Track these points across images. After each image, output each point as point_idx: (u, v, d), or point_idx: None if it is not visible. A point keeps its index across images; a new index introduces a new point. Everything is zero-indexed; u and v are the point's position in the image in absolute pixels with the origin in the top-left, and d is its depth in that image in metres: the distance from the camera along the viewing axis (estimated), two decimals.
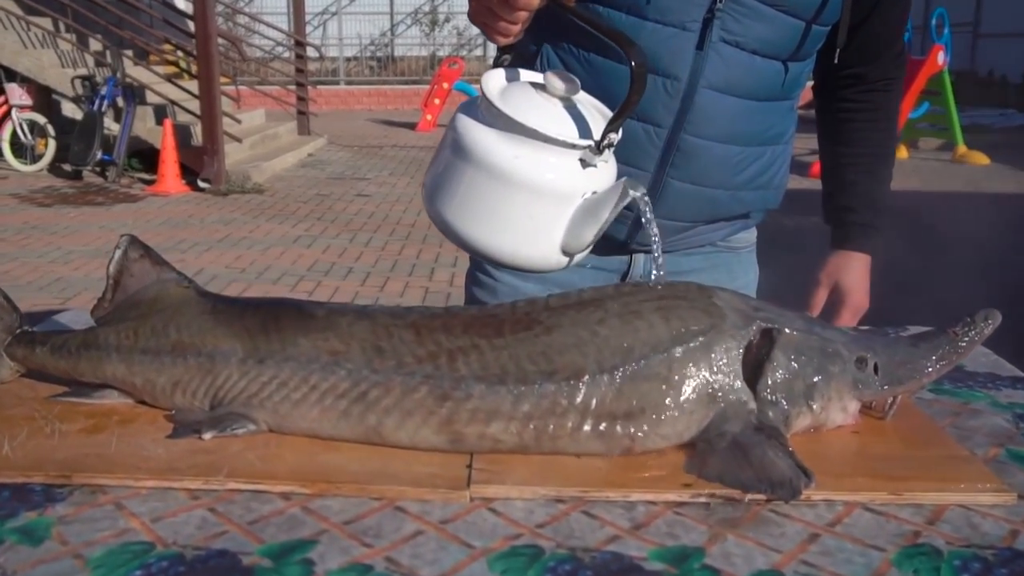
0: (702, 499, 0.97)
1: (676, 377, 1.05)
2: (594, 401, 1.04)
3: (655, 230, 1.11)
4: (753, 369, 1.08)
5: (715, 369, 1.06)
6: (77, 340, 1.19)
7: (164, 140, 8.67)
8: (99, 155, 8.96)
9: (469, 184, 1.05)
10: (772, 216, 1.56)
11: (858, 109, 1.52)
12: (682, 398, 1.05)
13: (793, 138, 1.48)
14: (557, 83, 1.08)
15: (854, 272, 1.54)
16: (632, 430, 1.04)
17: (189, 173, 8.81)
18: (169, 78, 9.99)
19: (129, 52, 9.93)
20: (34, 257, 6.21)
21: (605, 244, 1.44)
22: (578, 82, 1.09)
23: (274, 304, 1.15)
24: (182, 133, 9.06)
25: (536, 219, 1.06)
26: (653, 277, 1.13)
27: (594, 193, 1.06)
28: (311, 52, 13.75)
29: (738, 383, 1.07)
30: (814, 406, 1.09)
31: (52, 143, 9.45)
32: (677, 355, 1.06)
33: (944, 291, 5.20)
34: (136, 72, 9.78)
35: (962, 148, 10.44)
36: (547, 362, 1.06)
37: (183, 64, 10.57)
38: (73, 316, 1.48)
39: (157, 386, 1.14)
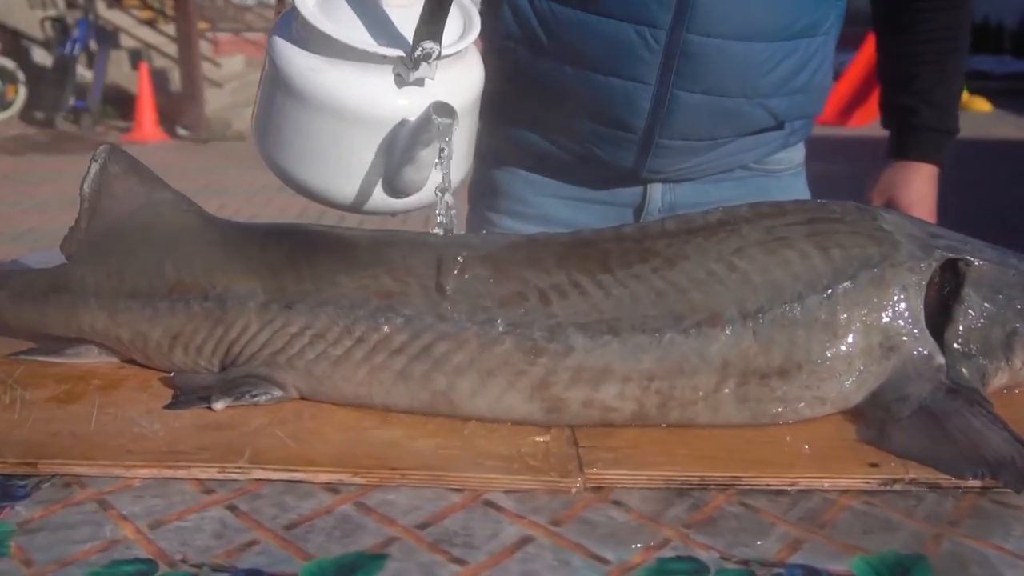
0: (897, 487, 0.72)
1: (840, 323, 0.80)
2: (735, 355, 0.79)
3: (451, 179, 0.87)
4: (938, 312, 0.82)
5: (890, 312, 0.81)
6: (44, 282, 0.92)
7: (140, 86, 8.28)
8: (72, 102, 8.57)
9: (275, 106, 0.90)
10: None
11: None
12: (848, 350, 0.80)
13: (835, 28, 1.18)
14: None
15: (915, 185, 1.25)
16: (784, 392, 0.79)
17: (167, 120, 8.44)
18: (146, 22, 9.56)
19: None
20: (5, 207, 5.87)
21: (611, 173, 1.18)
22: None
23: (303, 232, 0.88)
24: (159, 78, 8.66)
25: (342, 147, 0.87)
26: (438, 227, 0.89)
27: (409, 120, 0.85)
28: None
29: (919, 330, 0.81)
30: (1015, 360, 0.84)
31: (22, 90, 9.01)
32: (841, 294, 0.80)
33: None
34: (110, 15, 9.33)
35: (964, 95, 10.20)
36: (671, 305, 0.80)
37: (157, 5, 10.12)
38: (40, 258, 1.18)
39: (150, 340, 0.87)
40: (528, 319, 0.80)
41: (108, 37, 8.84)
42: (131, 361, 0.91)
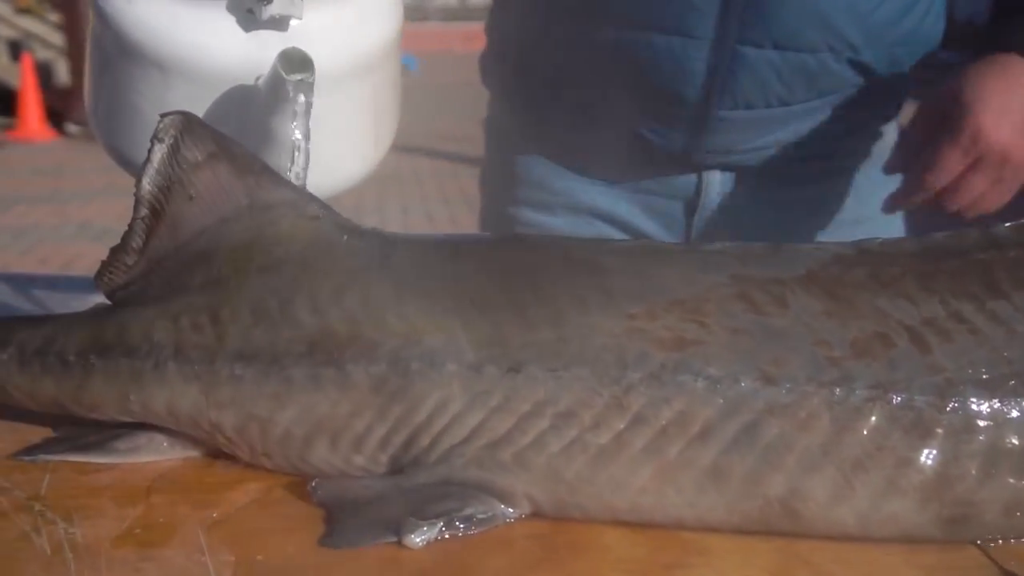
0: None
1: None
2: None
3: (303, 165, 0.62)
4: None
5: None
6: (81, 337, 0.57)
7: (23, 79, 7.64)
8: None
9: (97, 61, 0.70)
10: None
11: None
12: None
13: None
14: None
15: (1003, 81, 0.81)
16: None
17: (55, 116, 7.81)
18: (23, 10, 8.88)
19: None
20: None
21: (656, 157, 0.92)
22: None
23: (519, 246, 0.57)
24: (44, 71, 8.02)
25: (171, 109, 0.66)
26: None
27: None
28: None
29: None
30: None
31: None
32: None
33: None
34: None
35: None
36: None
37: None
38: (52, 292, 0.77)
39: (274, 429, 0.54)
40: (902, 376, 0.51)
41: None
42: (217, 453, 0.59)
